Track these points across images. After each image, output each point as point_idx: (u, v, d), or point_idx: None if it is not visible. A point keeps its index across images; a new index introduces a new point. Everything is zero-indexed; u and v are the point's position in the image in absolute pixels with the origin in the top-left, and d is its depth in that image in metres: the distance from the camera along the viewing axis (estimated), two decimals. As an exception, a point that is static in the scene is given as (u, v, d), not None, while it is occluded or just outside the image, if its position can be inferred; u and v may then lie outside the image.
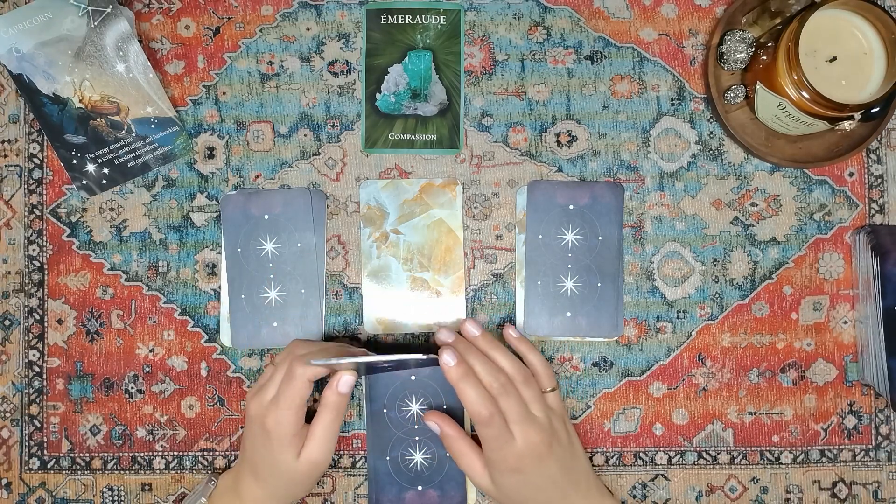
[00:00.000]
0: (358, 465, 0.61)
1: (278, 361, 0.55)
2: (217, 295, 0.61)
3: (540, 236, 0.60)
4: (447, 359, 0.51)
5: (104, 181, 0.61)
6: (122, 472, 0.61)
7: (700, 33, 0.61)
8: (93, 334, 0.61)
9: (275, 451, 0.52)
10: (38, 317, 0.61)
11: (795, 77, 0.53)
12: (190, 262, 0.61)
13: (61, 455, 0.61)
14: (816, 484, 0.61)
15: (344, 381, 0.53)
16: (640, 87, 0.61)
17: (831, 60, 0.55)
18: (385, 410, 0.60)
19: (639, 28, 0.61)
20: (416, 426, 0.60)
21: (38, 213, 0.61)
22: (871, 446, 0.61)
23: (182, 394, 0.61)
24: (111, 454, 0.61)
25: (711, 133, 0.61)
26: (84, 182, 0.60)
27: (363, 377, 0.60)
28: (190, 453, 0.61)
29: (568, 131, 0.61)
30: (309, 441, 0.53)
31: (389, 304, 0.60)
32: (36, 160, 0.61)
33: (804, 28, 0.52)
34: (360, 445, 0.61)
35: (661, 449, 0.61)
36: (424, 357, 0.51)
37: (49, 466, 0.61)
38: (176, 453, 0.61)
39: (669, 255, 0.61)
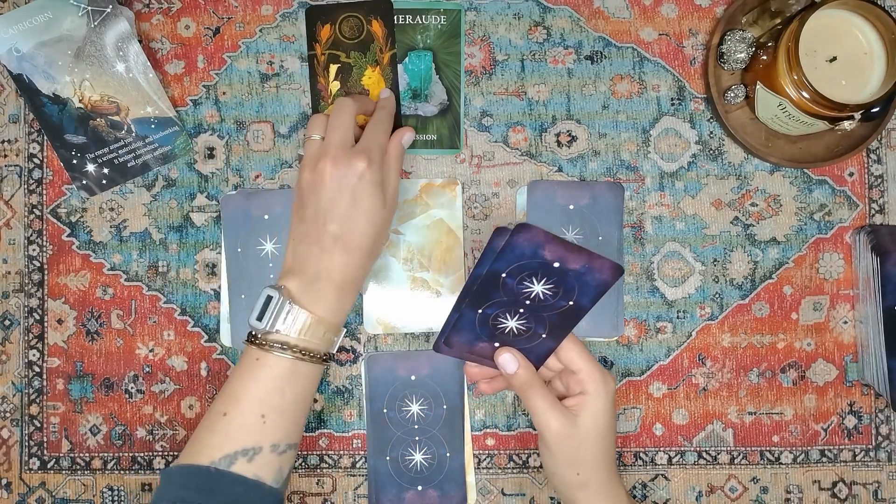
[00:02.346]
0: (358, 465, 0.61)
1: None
2: (217, 295, 0.61)
3: (540, 236, 0.60)
4: (510, 364, 0.49)
5: (104, 181, 0.61)
6: (122, 472, 0.61)
7: (700, 33, 0.61)
8: (93, 334, 0.61)
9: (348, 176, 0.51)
10: (38, 317, 0.61)
11: (795, 77, 0.53)
12: (190, 262, 0.61)
13: (61, 455, 0.61)
14: (816, 484, 0.61)
15: (408, 136, 0.56)
16: (640, 87, 0.61)
17: (831, 60, 0.55)
18: (385, 410, 0.60)
19: (639, 28, 0.61)
20: (415, 426, 0.60)
21: (38, 213, 0.61)
22: (871, 446, 0.61)
23: (182, 394, 0.61)
24: (111, 454, 0.61)
25: (711, 133, 0.61)
26: (84, 182, 0.60)
27: (363, 376, 0.60)
28: (190, 453, 0.61)
29: (568, 131, 0.61)
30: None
31: (390, 304, 0.60)
32: (36, 160, 0.61)
33: (804, 28, 0.52)
34: (360, 445, 0.61)
35: (661, 449, 0.61)
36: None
37: (49, 466, 0.61)
38: (176, 453, 0.61)
39: (669, 255, 0.61)
